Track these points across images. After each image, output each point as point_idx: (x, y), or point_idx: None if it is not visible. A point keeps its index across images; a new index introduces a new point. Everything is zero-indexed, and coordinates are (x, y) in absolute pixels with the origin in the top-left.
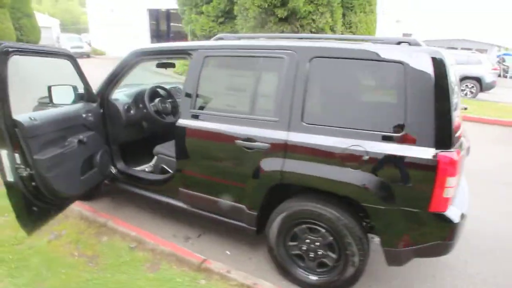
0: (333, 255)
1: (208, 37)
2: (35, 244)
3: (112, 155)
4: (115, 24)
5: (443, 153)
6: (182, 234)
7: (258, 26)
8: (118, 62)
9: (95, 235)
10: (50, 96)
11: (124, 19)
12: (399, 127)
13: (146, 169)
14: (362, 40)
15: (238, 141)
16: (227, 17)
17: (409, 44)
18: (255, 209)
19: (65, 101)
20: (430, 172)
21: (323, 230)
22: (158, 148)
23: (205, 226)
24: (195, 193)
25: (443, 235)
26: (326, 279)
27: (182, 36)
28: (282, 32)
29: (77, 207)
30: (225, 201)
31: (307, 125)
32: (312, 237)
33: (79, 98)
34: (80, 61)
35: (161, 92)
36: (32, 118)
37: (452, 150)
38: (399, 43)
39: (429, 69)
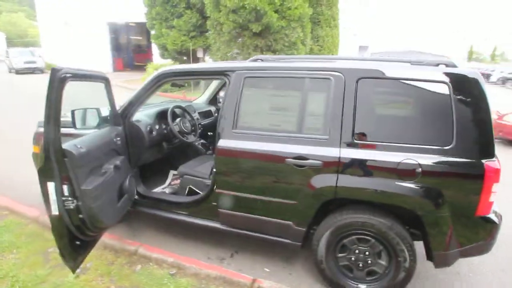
0: (383, 263)
1: (179, 52)
2: (61, 281)
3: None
4: (71, 38)
5: (488, 162)
6: (214, 255)
7: (232, 40)
8: (144, 83)
9: (127, 265)
10: (73, 121)
11: (81, 33)
12: (448, 141)
13: (166, 191)
14: (399, 61)
15: (289, 159)
16: (199, 31)
17: (446, 65)
18: (303, 225)
19: (88, 125)
20: (478, 180)
21: (373, 240)
22: (183, 169)
23: (234, 245)
24: (237, 213)
25: (486, 236)
26: (376, 286)
27: (142, 50)
28: (256, 46)
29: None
30: (271, 219)
31: (359, 142)
32: (362, 247)
33: (103, 121)
34: (33, 78)
35: (179, 111)
36: (78, 146)
37: (494, 159)
38: (437, 65)
39: (470, 87)
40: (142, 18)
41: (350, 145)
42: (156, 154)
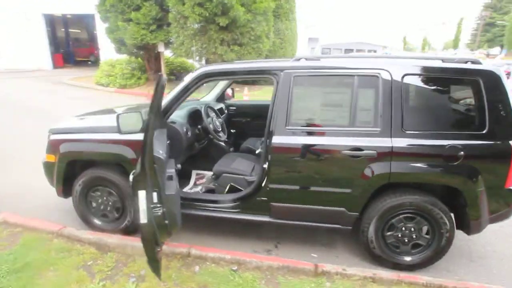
0: (427, 236)
1: (139, 46)
2: None
3: None
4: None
5: None
6: (259, 248)
7: (198, 34)
8: (183, 83)
9: (184, 267)
10: (118, 125)
11: (13, 25)
12: (482, 127)
13: (198, 190)
14: (431, 58)
15: (345, 151)
16: (159, 24)
17: (472, 62)
18: (357, 210)
19: (132, 129)
20: (507, 158)
21: (418, 217)
22: (220, 168)
23: (274, 237)
24: (291, 205)
25: (509, 203)
26: (421, 257)
27: (83, 44)
28: (223, 39)
29: (133, 242)
30: (324, 208)
31: (408, 132)
32: (408, 225)
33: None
34: None
35: (209, 111)
36: (161, 152)
37: None
38: (466, 62)
39: (496, 81)
40: (81, 10)
41: (400, 135)
42: (188, 155)
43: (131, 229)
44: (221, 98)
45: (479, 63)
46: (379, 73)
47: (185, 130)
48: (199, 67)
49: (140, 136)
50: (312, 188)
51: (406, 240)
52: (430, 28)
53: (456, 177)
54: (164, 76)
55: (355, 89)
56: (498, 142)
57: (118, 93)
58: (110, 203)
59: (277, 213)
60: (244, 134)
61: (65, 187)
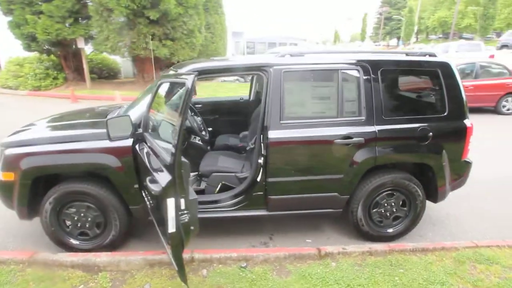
0: (405, 208)
1: (53, 42)
2: None
3: None
4: None
5: (466, 122)
6: (256, 242)
7: (125, 28)
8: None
9: (191, 273)
10: (107, 131)
11: None
12: (443, 110)
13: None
14: (396, 53)
15: (337, 140)
16: (77, 17)
17: (429, 55)
18: (348, 193)
19: (122, 135)
20: (463, 134)
21: (398, 193)
22: (207, 168)
23: (267, 229)
24: (289, 196)
25: (466, 172)
26: (400, 228)
27: None
28: (154, 34)
29: (127, 257)
30: (319, 194)
31: (387, 119)
32: (389, 200)
33: (135, 128)
34: None
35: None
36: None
37: (469, 119)
38: (425, 55)
39: (449, 71)
40: None
41: (381, 122)
42: None
43: (117, 244)
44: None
45: (435, 55)
46: (359, 68)
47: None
48: (187, 64)
49: (128, 142)
50: (308, 178)
51: (388, 214)
52: (339, 23)
53: (427, 155)
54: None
55: (340, 83)
56: (456, 122)
57: (32, 96)
58: (89, 219)
59: (274, 205)
60: (214, 131)
61: (29, 208)
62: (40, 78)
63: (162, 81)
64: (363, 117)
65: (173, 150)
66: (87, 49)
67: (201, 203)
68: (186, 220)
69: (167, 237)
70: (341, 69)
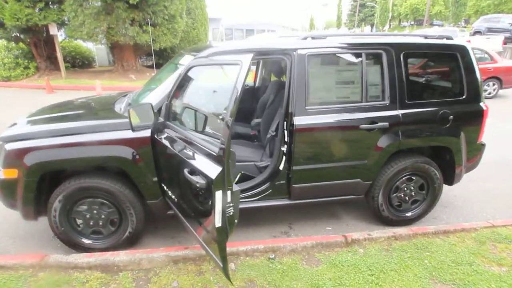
0: (423, 192)
1: (23, 29)
2: None
3: None
4: None
5: (483, 104)
6: (276, 232)
7: (102, 13)
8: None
9: (218, 268)
10: (130, 121)
11: None
12: (461, 93)
13: None
14: (415, 36)
15: (362, 125)
16: (48, 1)
17: (447, 38)
18: (371, 179)
19: (144, 124)
20: (480, 117)
21: (417, 177)
22: None
23: (285, 218)
24: (311, 184)
25: (478, 154)
26: (418, 211)
27: None
28: (133, 19)
29: (148, 254)
30: (343, 181)
31: (410, 103)
32: (409, 185)
33: (157, 116)
34: None
35: None
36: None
37: (484, 102)
38: (442, 38)
39: (467, 54)
40: None
41: (405, 106)
42: None
43: (134, 240)
44: None
45: (452, 38)
46: (382, 51)
47: None
48: (204, 47)
49: (148, 132)
50: (332, 164)
51: (407, 198)
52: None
53: (447, 138)
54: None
55: (363, 66)
56: (473, 105)
57: (2, 87)
58: (102, 216)
59: (298, 194)
60: None
61: (36, 207)
62: (9, 68)
63: (196, 64)
64: (387, 102)
65: (222, 139)
66: (59, 36)
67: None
68: (232, 213)
69: (211, 232)
70: (364, 52)
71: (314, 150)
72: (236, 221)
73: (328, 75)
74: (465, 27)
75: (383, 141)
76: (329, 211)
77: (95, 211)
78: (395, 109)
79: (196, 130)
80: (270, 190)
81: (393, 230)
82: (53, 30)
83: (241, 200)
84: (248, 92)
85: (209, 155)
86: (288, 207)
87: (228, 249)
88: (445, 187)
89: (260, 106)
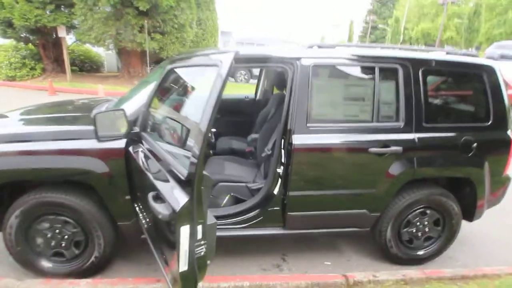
0: (438, 228)
1: (32, 30)
2: None
3: None
4: None
5: (510, 133)
6: (267, 264)
7: (111, 18)
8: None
9: None
10: (95, 129)
11: None
12: (487, 118)
13: None
14: (435, 51)
15: (372, 148)
16: (59, 4)
17: (471, 56)
18: (379, 211)
19: (113, 133)
20: (507, 147)
21: (432, 210)
22: (211, 176)
23: (277, 249)
24: (310, 213)
25: (503, 188)
26: (432, 250)
27: None
28: (142, 26)
29: (126, 285)
30: (346, 211)
31: (428, 126)
32: (422, 219)
33: (131, 126)
34: None
35: None
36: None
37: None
38: (466, 55)
39: (494, 75)
40: None
41: (421, 129)
42: None
43: (101, 266)
44: None
45: (477, 56)
46: (399, 66)
47: None
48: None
49: (121, 143)
50: (335, 192)
51: (420, 235)
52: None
53: (469, 168)
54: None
55: (376, 82)
56: (500, 133)
57: (5, 86)
58: (66, 236)
59: (294, 223)
60: (215, 133)
61: None
62: (15, 68)
63: (173, 66)
64: (402, 123)
65: (193, 159)
66: (69, 39)
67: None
68: (203, 253)
69: (175, 276)
70: (378, 66)
71: (315, 174)
72: (209, 262)
73: (335, 89)
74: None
75: (395, 168)
76: (328, 243)
77: (57, 230)
78: (410, 132)
79: (174, 145)
80: (262, 217)
81: (403, 271)
82: (61, 32)
83: (228, 227)
84: (248, 104)
85: (178, 179)
86: (282, 237)
87: (207, 285)
88: (464, 222)
89: (260, 121)
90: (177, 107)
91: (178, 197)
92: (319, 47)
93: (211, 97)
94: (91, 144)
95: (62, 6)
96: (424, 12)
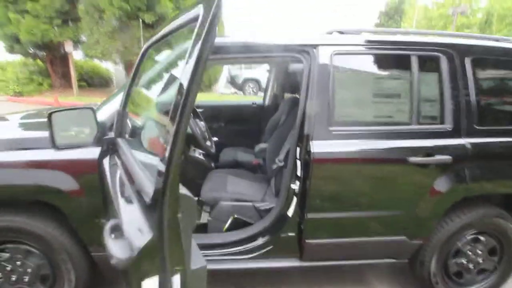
0: (494, 259)
1: (38, 45)
2: None
3: None
4: None
5: None
6: None
7: (117, 31)
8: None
9: None
10: (51, 133)
11: None
12: None
13: None
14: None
15: (412, 158)
16: (66, 19)
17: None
18: (421, 237)
19: (75, 141)
20: None
21: (486, 236)
22: (212, 194)
23: (293, 281)
24: (334, 240)
25: None
26: (487, 285)
27: None
28: (148, 39)
29: None
30: (380, 239)
31: (481, 128)
32: (476, 247)
33: (105, 130)
34: None
35: None
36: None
37: None
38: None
39: None
40: None
41: (474, 133)
42: None
43: None
44: None
45: None
46: (441, 55)
47: None
48: None
49: (92, 153)
50: (366, 213)
51: (472, 267)
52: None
53: None
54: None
55: (414, 75)
56: None
57: (13, 101)
58: (29, 269)
59: (312, 253)
60: (218, 144)
61: None
62: (23, 83)
63: (149, 44)
64: (449, 125)
65: (160, 166)
66: (78, 54)
67: (201, 247)
68: None
69: None
70: (415, 55)
71: (339, 190)
72: None
73: (363, 84)
74: None
75: (442, 183)
76: (353, 273)
77: (19, 262)
78: (460, 136)
79: (153, 153)
80: (272, 246)
81: None
82: (68, 47)
83: (230, 258)
84: (256, 111)
85: (143, 204)
86: (298, 270)
87: None
88: None
89: (269, 129)
90: (154, 98)
91: (140, 232)
92: (341, 33)
93: (187, 68)
94: (55, 154)
95: (69, 21)
96: (433, 24)
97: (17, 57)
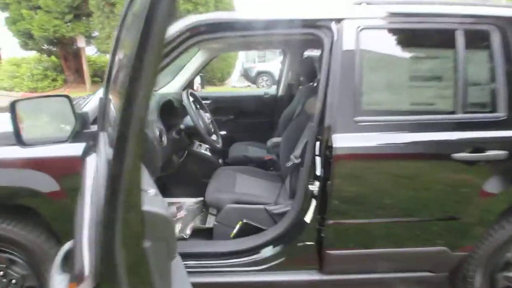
0: None
1: (51, 40)
2: None
3: None
4: None
5: None
6: None
7: None
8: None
9: None
10: (14, 125)
11: None
12: None
13: (184, 234)
14: None
15: (458, 154)
16: (77, 14)
17: None
18: (466, 248)
19: (45, 136)
20: None
21: None
22: (219, 194)
23: None
24: (360, 251)
25: None
26: None
27: None
28: None
29: None
30: (416, 249)
31: None
32: None
33: (85, 122)
34: None
35: (194, 101)
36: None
37: None
38: None
39: None
40: None
41: None
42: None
43: None
44: (189, 87)
45: None
46: (494, 28)
47: (158, 133)
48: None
49: (75, 149)
50: (399, 220)
51: None
52: None
53: None
54: None
55: (459, 53)
56: None
57: (26, 97)
58: (13, 280)
59: (335, 265)
60: (227, 138)
61: None
62: (37, 80)
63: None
64: (502, 113)
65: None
66: (91, 50)
67: (206, 256)
68: None
69: None
70: (461, 29)
71: (366, 192)
72: None
73: (396, 65)
74: None
75: (494, 184)
76: (381, 285)
77: (1, 272)
78: None
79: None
80: (287, 256)
81: None
82: (80, 42)
83: (238, 269)
84: (268, 102)
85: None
86: (316, 284)
87: None
88: None
89: (283, 121)
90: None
91: (82, 265)
92: (369, 4)
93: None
94: (17, 151)
95: (81, 16)
96: None
97: (32, 54)
